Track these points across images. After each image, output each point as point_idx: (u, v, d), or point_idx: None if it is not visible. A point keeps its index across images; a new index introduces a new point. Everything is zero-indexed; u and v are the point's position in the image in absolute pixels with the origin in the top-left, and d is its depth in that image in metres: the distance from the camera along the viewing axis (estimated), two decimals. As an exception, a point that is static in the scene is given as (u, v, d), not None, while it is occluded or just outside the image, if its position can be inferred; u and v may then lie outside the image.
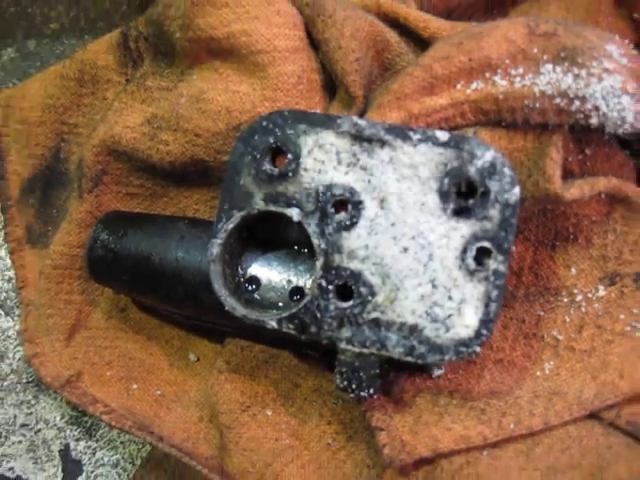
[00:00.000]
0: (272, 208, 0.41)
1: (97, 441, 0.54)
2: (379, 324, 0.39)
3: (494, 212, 0.39)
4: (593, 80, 0.45)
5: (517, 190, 0.39)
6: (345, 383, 0.41)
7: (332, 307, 0.40)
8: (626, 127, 0.46)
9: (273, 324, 0.41)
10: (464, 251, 0.39)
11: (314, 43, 0.51)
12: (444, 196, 0.40)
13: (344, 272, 0.40)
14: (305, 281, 0.44)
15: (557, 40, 0.47)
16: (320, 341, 0.40)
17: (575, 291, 0.49)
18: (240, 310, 0.42)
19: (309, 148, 0.41)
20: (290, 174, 0.41)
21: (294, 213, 0.41)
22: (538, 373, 0.47)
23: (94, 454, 0.54)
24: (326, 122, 0.41)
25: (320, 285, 0.40)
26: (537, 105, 0.46)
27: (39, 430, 0.54)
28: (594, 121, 0.46)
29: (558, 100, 0.46)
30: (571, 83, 0.45)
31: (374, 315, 0.39)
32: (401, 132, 0.41)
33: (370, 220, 0.40)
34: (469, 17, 0.56)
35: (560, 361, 0.47)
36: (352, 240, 0.40)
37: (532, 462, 0.45)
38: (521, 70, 0.47)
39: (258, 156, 0.42)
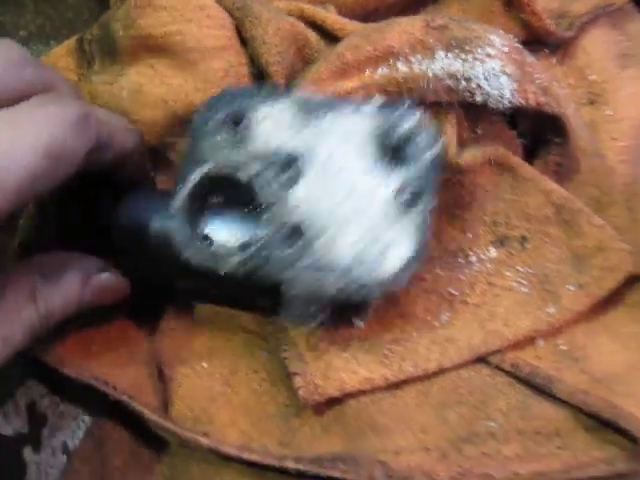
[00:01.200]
0: (226, 170, 0.45)
1: (60, 397, 0.60)
2: (318, 267, 0.43)
3: (420, 164, 0.45)
4: (477, 63, 0.52)
5: (438, 146, 0.46)
6: (297, 313, 0.46)
7: (276, 252, 0.43)
8: (505, 103, 0.52)
9: (227, 267, 0.44)
10: (397, 194, 0.44)
11: (243, 39, 0.57)
12: (377, 155, 0.45)
13: (288, 223, 0.44)
14: (252, 237, 0.45)
15: (449, 32, 0.53)
16: (267, 281, 0.44)
17: (470, 253, 0.54)
18: (196, 257, 0.44)
19: (260, 117, 0.46)
20: (243, 138, 0.46)
21: (242, 175, 0.45)
22: (435, 324, 0.52)
23: (57, 407, 0.59)
24: (276, 95, 0.47)
25: (267, 234, 0.43)
26: (431, 86, 0.52)
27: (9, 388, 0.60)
28: (479, 98, 0.52)
29: (448, 81, 0.52)
30: (459, 67, 0.52)
31: (313, 259, 0.43)
32: (338, 104, 0.47)
33: (311, 178, 0.44)
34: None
35: (454, 313, 0.52)
36: (294, 196, 0.44)
37: (427, 399, 0.50)
38: (419, 57, 0.53)
39: (214, 126, 0.46)
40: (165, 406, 0.54)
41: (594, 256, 0.52)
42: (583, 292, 0.51)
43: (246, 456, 0.50)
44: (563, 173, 0.55)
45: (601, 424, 0.49)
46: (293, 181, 0.44)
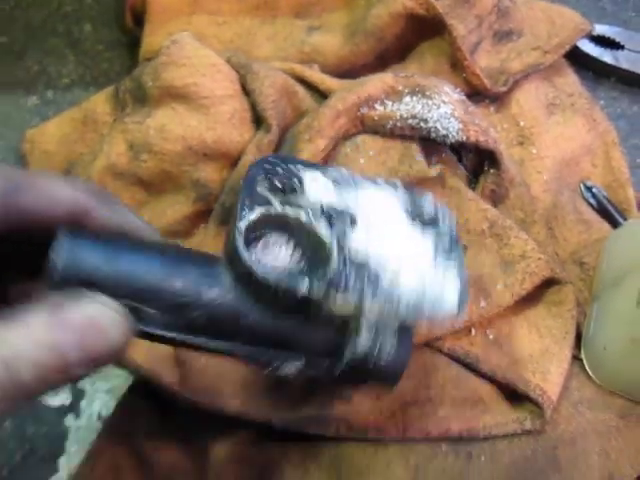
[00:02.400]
0: (288, 210, 0.44)
1: (96, 374, 0.71)
2: (389, 299, 0.42)
3: (448, 225, 0.49)
4: (434, 108, 0.66)
5: (453, 217, 0.50)
6: (370, 342, 0.44)
7: (353, 274, 0.42)
8: (452, 139, 0.67)
9: (305, 287, 0.41)
10: (436, 247, 0.46)
11: (247, 91, 0.70)
12: (411, 216, 0.47)
13: (354, 256, 0.43)
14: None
15: (414, 79, 0.68)
16: (348, 303, 0.42)
17: None
18: (267, 274, 0.41)
19: (308, 179, 0.46)
20: (298, 190, 0.45)
21: (306, 215, 0.44)
22: None
23: (93, 384, 0.71)
24: (316, 165, 0.49)
25: (338, 260, 0.42)
26: (398, 123, 0.67)
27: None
28: (433, 135, 0.67)
29: (411, 120, 0.66)
30: (419, 109, 0.66)
31: (387, 285, 0.42)
32: (370, 178, 0.49)
33: (365, 226, 0.44)
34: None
35: None
36: (355, 237, 0.44)
37: None
38: (391, 100, 0.67)
39: (269, 175, 0.45)
40: (183, 381, 0.65)
41: (518, 262, 0.65)
42: (509, 291, 0.64)
43: (244, 417, 0.62)
44: (496, 198, 0.69)
45: (515, 394, 0.62)
46: (350, 226, 0.44)
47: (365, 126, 0.68)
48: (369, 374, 0.47)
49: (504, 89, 0.74)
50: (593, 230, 0.71)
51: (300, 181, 0.45)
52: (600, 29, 0.83)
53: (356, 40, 0.76)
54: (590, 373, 0.64)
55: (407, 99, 0.67)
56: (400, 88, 0.67)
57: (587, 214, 0.72)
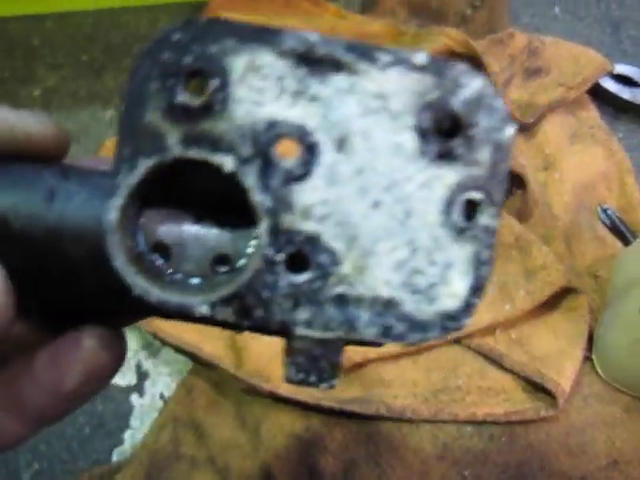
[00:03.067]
0: (193, 154, 0.27)
1: (158, 359, 0.77)
2: (346, 300, 0.28)
3: (484, 155, 0.27)
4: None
5: (511, 128, 0.27)
6: (301, 376, 0.29)
7: (283, 282, 0.27)
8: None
9: (203, 310, 0.27)
10: (449, 204, 0.28)
11: None
12: (423, 135, 0.27)
13: (297, 236, 0.27)
14: (234, 248, 0.30)
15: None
16: (268, 327, 0.28)
17: None
18: (156, 293, 0.27)
19: (240, 72, 0.27)
20: (217, 107, 0.27)
21: (226, 161, 0.27)
22: None
23: (156, 367, 0.77)
24: (263, 37, 0.27)
25: (266, 256, 0.27)
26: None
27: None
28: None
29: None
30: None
31: (339, 290, 0.27)
32: (365, 51, 0.27)
33: (329, 167, 0.27)
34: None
35: None
36: (307, 194, 0.27)
37: (417, 365, 0.72)
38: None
39: (170, 82, 0.27)
40: (239, 365, 0.74)
41: (539, 272, 0.74)
42: (530, 297, 0.73)
43: (294, 397, 0.70)
44: (522, 215, 0.78)
45: (533, 386, 0.71)
46: (303, 171, 0.27)
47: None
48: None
49: (532, 120, 0.84)
50: (607, 247, 0.79)
51: (224, 80, 0.27)
52: (620, 68, 0.92)
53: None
54: (599, 371, 0.73)
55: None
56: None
57: (602, 233, 0.81)
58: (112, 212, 0.27)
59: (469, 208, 0.28)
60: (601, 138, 0.86)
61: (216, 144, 0.27)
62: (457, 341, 0.74)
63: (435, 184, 0.27)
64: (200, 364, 0.76)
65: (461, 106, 0.27)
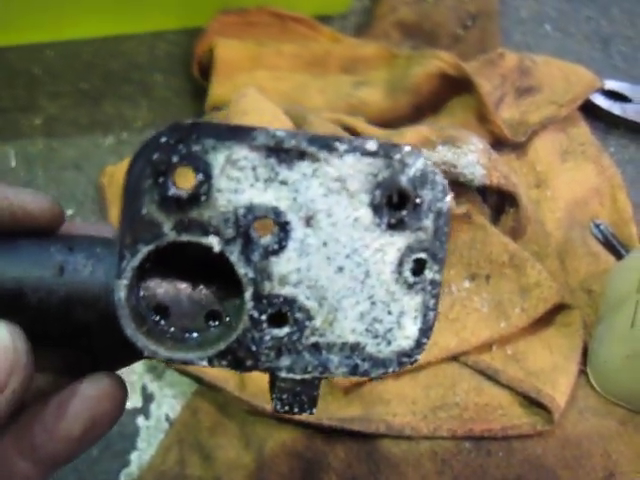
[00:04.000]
0: (185, 238, 0.32)
1: (163, 381, 0.78)
2: (319, 347, 0.33)
3: (427, 222, 0.33)
4: (462, 156, 0.76)
5: (449, 198, 0.34)
6: (286, 408, 0.34)
7: (267, 337, 0.33)
8: (478, 183, 0.77)
9: (204, 363, 0.32)
10: (400, 264, 0.33)
11: None
12: (377, 209, 0.33)
13: (277, 299, 0.33)
14: (222, 305, 0.35)
15: (445, 132, 0.78)
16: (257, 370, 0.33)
17: (452, 284, 0.76)
18: (162, 353, 0.32)
19: (221, 166, 0.32)
20: (202, 197, 0.31)
21: (214, 242, 0.32)
22: None
23: (161, 390, 0.78)
24: (238, 135, 0.32)
25: (252, 317, 0.33)
26: (431, 169, 0.77)
27: (128, 375, 0.78)
28: (461, 179, 0.77)
29: (442, 166, 0.77)
30: (450, 157, 0.77)
31: (313, 339, 0.33)
32: (325, 142, 0.32)
33: (300, 241, 0.32)
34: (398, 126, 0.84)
35: (439, 325, 0.69)
36: (282, 265, 0.32)
37: (416, 382, 0.73)
38: (425, 149, 0.77)
39: (161, 179, 0.31)
40: (242, 387, 0.75)
41: (534, 289, 0.75)
42: (525, 314, 0.75)
43: (296, 417, 0.71)
44: (515, 233, 0.79)
45: (529, 401, 0.72)
46: (278, 246, 0.32)
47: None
48: None
49: (523, 139, 0.85)
50: (600, 262, 0.81)
51: (208, 174, 0.31)
52: (610, 84, 0.93)
53: (396, 95, 0.87)
54: (594, 384, 0.75)
55: (439, 148, 0.77)
56: (434, 138, 0.78)
57: (595, 248, 0.82)
58: (121, 292, 0.31)
59: (417, 266, 0.33)
60: (592, 154, 0.88)
61: (204, 228, 0.32)
62: (455, 358, 0.75)
63: (388, 249, 0.33)
64: (204, 386, 0.77)
65: (408, 183, 0.32)
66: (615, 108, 0.93)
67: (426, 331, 0.34)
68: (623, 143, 0.93)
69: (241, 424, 0.76)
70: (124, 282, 0.31)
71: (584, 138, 0.89)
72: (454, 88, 0.86)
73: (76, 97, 0.99)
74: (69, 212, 0.90)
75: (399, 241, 0.33)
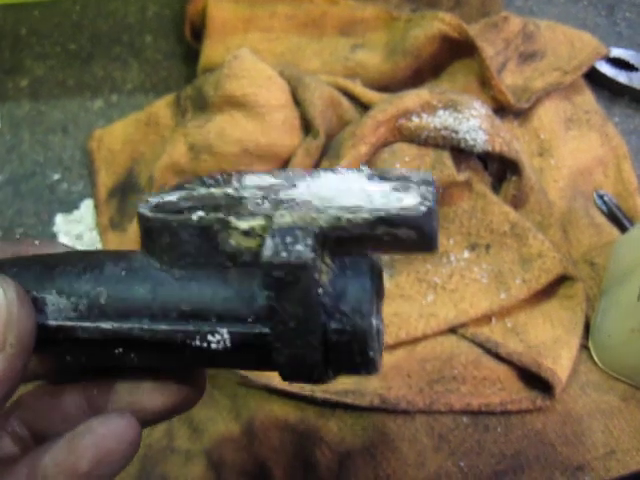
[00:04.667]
0: (214, 190, 0.36)
1: None
2: (318, 208, 0.32)
3: (420, 185, 0.33)
4: (464, 121, 0.74)
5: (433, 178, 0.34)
6: (277, 241, 0.30)
7: (267, 203, 0.33)
8: (479, 149, 0.75)
9: (200, 213, 0.33)
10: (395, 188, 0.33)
11: (297, 101, 0.79)
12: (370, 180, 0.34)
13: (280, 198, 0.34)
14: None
15: (447, 96, 0.75)
16: (252, 219, 0.32)
17: (450, 254, 0.74)
18: (158, 215, 0.34)
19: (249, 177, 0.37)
20: (231, 181, 0.37)
21: (232, 189, 0.36)
22: (423, 302, 0.72)
23: None
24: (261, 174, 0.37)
25: (254, 196, 0.34)
26: (432, 134, 0.75)
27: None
28: (463, 145, 0.75)
29: (443, 132, 0.74)
30: (451, 122, 0.74)
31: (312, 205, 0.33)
32: (330, 169, 0.36)
33: (306, 185, 0.34)
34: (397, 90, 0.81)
35: (437, 295, 0.72)
36: (289, 192, 0.34)
37: (413, 355, 0.71)
38: (426, 113, 0.75)
39: (202, 178, 0.38)
40: None
41: (535, 260, 0.72)
42: (526, 285, 0.72)
43: (288, 389, 0.70)
44: (517, 202, 0.77)
45: (529, 375, 0.70)
46: (288, 188, 0.35)
47: (402, 135, 0.76)
48: (313, 310, 0.31)
49: (527, 105, 0.82)
50: (604, 234, 0.78)
51: (239, 178, 0.36)
52: (616, 52, 0.90)
53: (395, 58, 0.84)
54: (596, 359, 0.72)
55: (440, 112, 0.75)
56: (435, 102, 0.75)
57: (598, 219, 0.80)
58: (154, 197, 0.36)
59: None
60: (597, 123, 0.85)
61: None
62: (453, 331, 0.73)
63: (381, 184, 0.34)
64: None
65: (398, 172, 0.35)
66: (621, 76, 0.90)
67: (428, 194, 0.32)
68: (628, 113, 0.90)
69: (231, 396, 0.74)
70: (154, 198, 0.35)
71: (589, 106, 0.86)
72: (456, 52, 0.83)
73: (63, 58, 0.97)
74: (55, 177, 0.88)
75: (390, 182, 0.34)
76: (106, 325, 0.35)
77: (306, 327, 0.31)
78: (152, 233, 0.34)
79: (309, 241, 0.30)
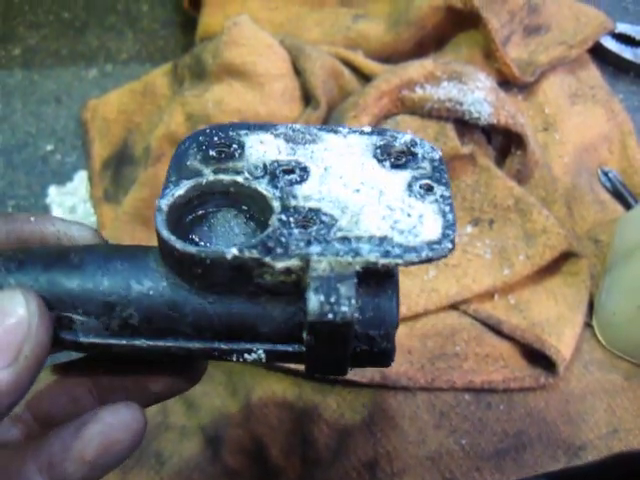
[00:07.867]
0: (222, 176, 0.38)
1: None
2: (348, 239, 0.35)
3: (425, 164, 0.39)
4: (468, 92, 0.72)
5: (439, 152, 0.40)
6: (322, 299, 0.33)
7: (296, 232, 0.35)
8: (484, 121, 0.73)
9: (234, 252, 0.34)
10: (409, 186, 0.38)
11: (297, 70, 0.77)
12: (379, 159, 0.39)
13: (302, 209, 0.36)
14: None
15: (451, 67, 0.74)
16: (289, 258, 0.34)
17: None
18: (192, 249, 0.35)
19: (251, 143, 0.40)
20: (237, 154, 0.39)
21: (244, 177, 0.38)
22: (425, 277, 0.71)
23: None
24: (264, 127, 0.41)
25: (280, 219, 0.36)
26: (435, 105, 0.73)
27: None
28: (467, 117, 0.73)
29: (447, 103, 0.73)
30: (455, 93, 0.73)
31: (341, 234, 0.35)
32: (331, 129, 0.41)
33: (319, 176, 0.38)
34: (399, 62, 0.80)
35: (438, 271, 0.71)
36: (305, 189, 0.38)
37: (413, 331, 0.70)
38: (430, 84, 0.74)
39: (203, 147, 0.39)
40: None
41: (540, 236, 0.71)
42: (530, 261, 0.71)
43: (286, 366, 0.68)
44: (521, 177, 0.76)
45: (532, 352, 0.69)
46: (300, 179, 0.38)
47: (405, 107, 0.74)
48: (346, 346, 0.36)
49: (532, 79, 0.81)
50: (608, 211, 0.77)
51: (241, 146, 0.40)
52: (622, 27, 0.89)
53: (398, 29, 0.82)
54: (600, 338, 0.71)
55: (445, 84, 0.73)
56: (439, 73, 0.74)
57: (603, 196, 0.79)
58: (165, 200, 0.37)
59: (425, 186, 0.38)
60: (602, 99, 0.84)
61: (237, 171, 0.39)
62: (454, 307, 0.71)
63: (396, 178, 0.39)
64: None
65: (402, 145, 0.40)
66: (626, 52, 0.88)
67: (449, 226, 0.36)
68: (633, 89, 0.89)
69: (228, 371, 0.73)
70: (164, 201, 0.37)
71: (594, 81, 0.85)
72: (460, 23, 0.82)
73: (57, 27, 0.95)
74: (48, 148, 0.86)
75: (404, 174, 0.39)
76: (140, 343, 0.37)
77: (337, 353, 0.36)
78: (182, 263, 0.36)
79: (352, 300, 0.33)
